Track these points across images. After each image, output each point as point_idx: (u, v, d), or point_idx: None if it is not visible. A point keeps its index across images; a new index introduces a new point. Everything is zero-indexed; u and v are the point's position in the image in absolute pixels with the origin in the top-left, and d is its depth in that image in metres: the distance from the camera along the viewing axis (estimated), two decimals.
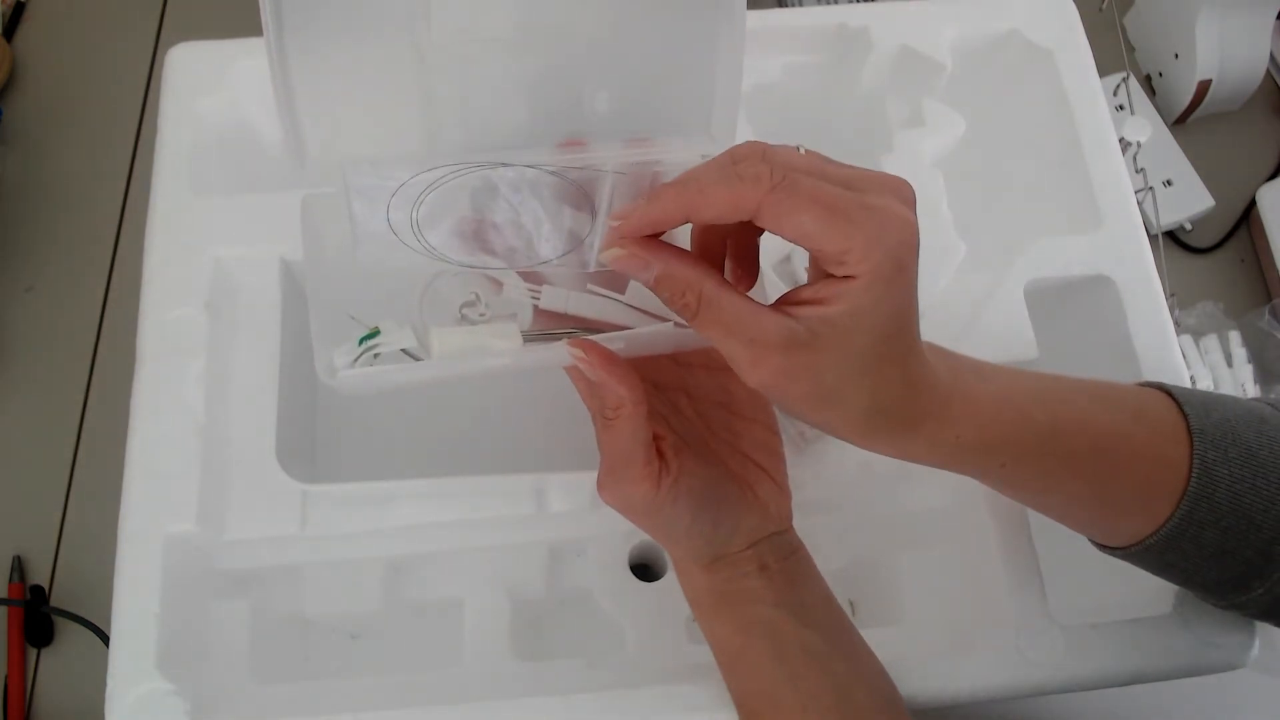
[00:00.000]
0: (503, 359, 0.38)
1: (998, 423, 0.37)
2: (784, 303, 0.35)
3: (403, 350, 0.38)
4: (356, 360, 0.37)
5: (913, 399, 0.36)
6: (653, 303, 0.40)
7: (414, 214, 0.37)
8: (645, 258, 0.35)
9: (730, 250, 0.38)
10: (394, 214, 0.37)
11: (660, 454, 0.40)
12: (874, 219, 0.32)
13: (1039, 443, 0.38)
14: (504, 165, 0.37)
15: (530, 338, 0.39)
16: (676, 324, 0.40)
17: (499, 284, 0.41)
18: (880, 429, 0.36)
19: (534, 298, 0.40)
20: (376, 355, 0.38)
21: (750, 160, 0.33)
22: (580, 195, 0.38)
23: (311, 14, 0.35)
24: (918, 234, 0.33)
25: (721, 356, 0.43)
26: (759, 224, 0.33)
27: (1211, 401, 0.40)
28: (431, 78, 0.38)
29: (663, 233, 0.36)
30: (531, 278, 0.41)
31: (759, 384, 0.34)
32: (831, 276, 0.33)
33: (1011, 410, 0.38)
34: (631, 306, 0.40)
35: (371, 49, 0.37)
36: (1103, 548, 0.43)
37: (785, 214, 0.32)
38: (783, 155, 0.34)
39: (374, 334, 0.38)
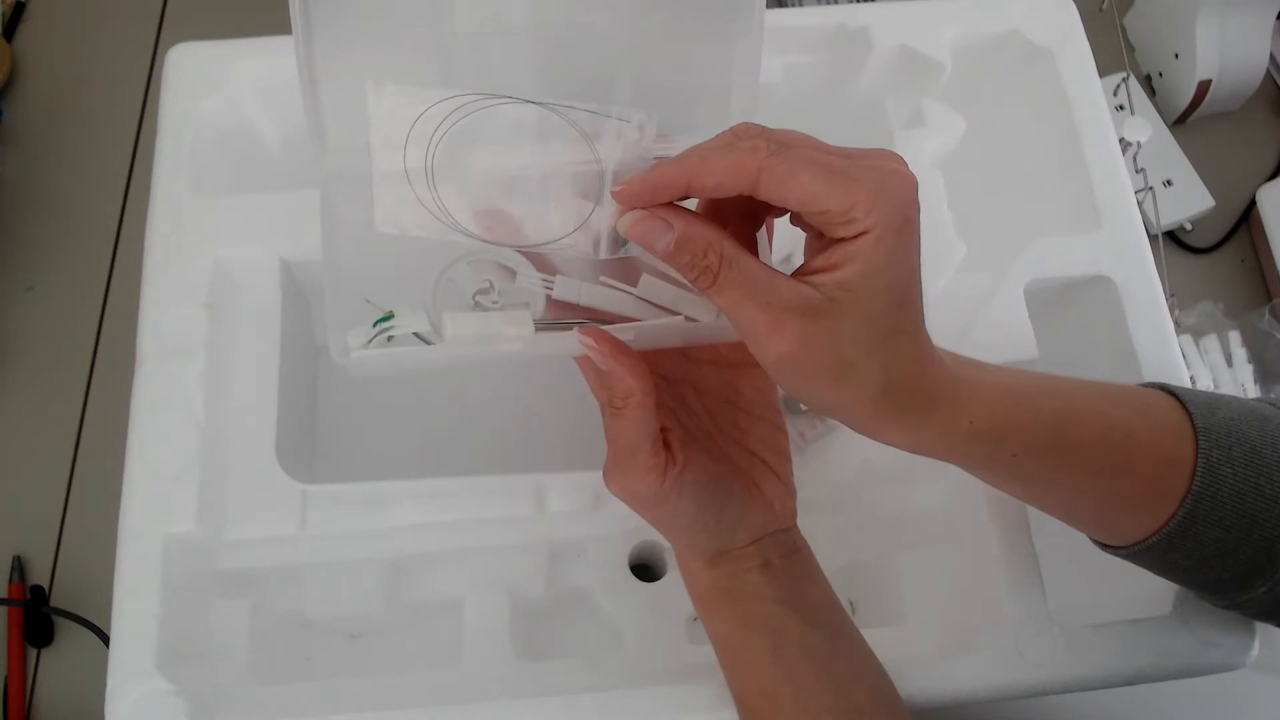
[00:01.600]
0: (514, 346, 0.38)
1: (1008, 408, 0.37)
2: (796, 275, 0.35)
3: (415, 334, 0.38)
4: (370, 342, 0.38)
5: (925, 378, 0.36)
6: (664, 297, 0.40)
7: (429, 161, 0.37)
8: (665, 219, 0.35)
9: None
10: (411, 163, 0.37)
11: (667, 446, 0.40)
12: (875, 175, 0.33)
13: (1048, 431, 0.38)
14: (524, 101, 0.37)
15: (542, 326, 0.39)
16: (687, 318, 0.40)
17: (512, 272, 0.41)
18: (895, 409, 0.35)
19: (547, 287, 0.41)
20: (390, 338, 0.38)
21: (749, 135, 0.34)
22: (590, 181, 0.38)
23: (338, 3, 0.35)
24: (918, 190, 0.34)
25: (730, 353, 0.44)
26: (760, 195, 0.33)
27: (1215, 401, 0.40)
28: (453, 69, 0.38)
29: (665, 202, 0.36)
30: (545, 267, 0.41)
31: (777, 355, 0.34)
32: (838, 243, 0.33)
33: (1019, 398, 0.38)
34: (643, 300, 0.40)
35: (395, 38, 0.37)
36: (1105, 547, 0.43)
37: (787, 175, 0.32)
38: (781, 132, 0.34)
39: (388, 317, 0.38)
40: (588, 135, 0.37)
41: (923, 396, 0.36)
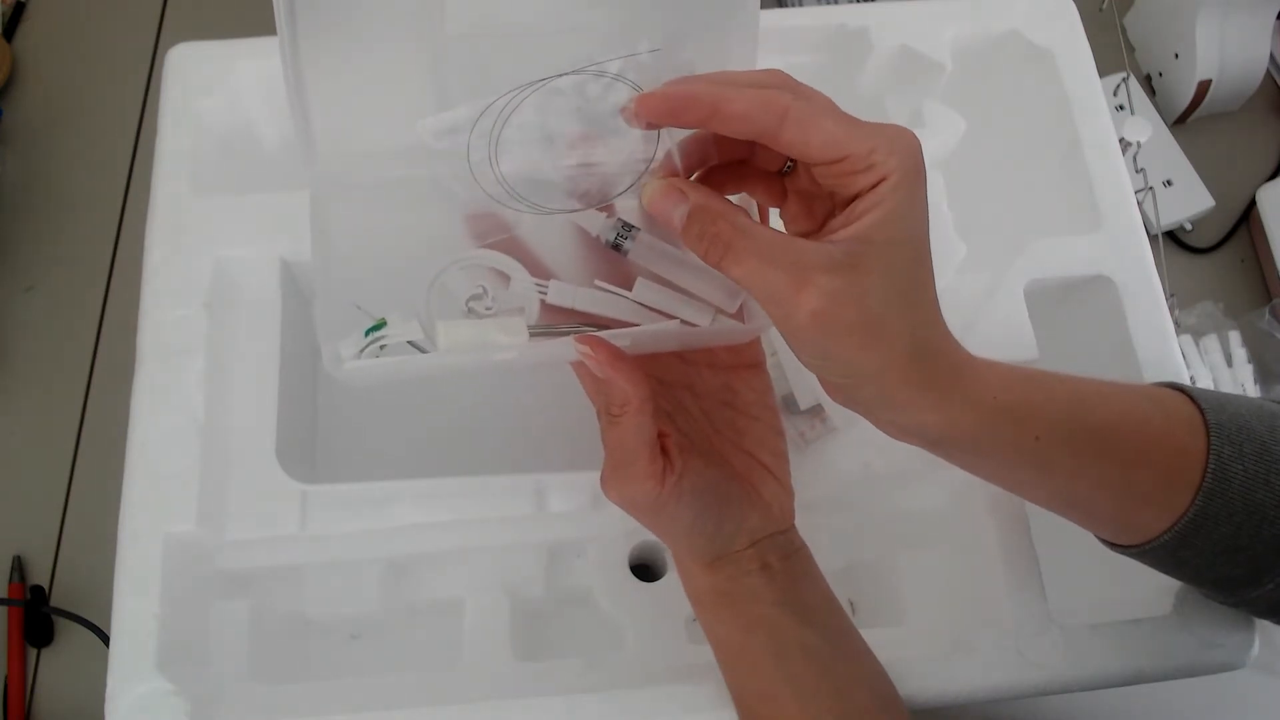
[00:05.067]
0: (508, 353, 0.38)
1: (1026, 387, 0.38)
2: (814, 240, 0.34)
3: (409, 342, 0.38)
4: (363, 351, 0.37)
5: (947, 345, 0.36)
6: (660, 300, 0.40)
7: (492, 154, 0.37)
8: (682, 190, 0.35)
9: None
10: (474, 156, 0.37)
11: (665, 451, 0.40)
12: (886, 129, 0.34)
13: (1067, 413, 0.38)
14: (560, 75, 0.36)
15: (536, 332, 0.39)
16: (683, 322, 0.40)
17: (506, 278, 0.41)
18: (924, 377, 0.35)
19: (541, 292, 0.40)
20: (383, 347, 0.38)
21: (776, 79, 0.35)
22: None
23: (324, 6, 0.35)
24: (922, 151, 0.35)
25: (727, 355, 0.44)
26: (783, 137, 0.33)
27: (1224, 398, 0.40)
28: (444, 71, 0.38)
29: (684, 127, 0.36)
30: (539, 272, 0.41)
31: (808, 314, 0.33)
32: (854, 201, 0.34)
33: (1033, 379, 0.38)
34: (639, 303, 0.40)
35: (383, 42, 0.37)
36: (1115, 547, 0.42)
37: (811, 119, 0.33)
38: (803, 85, 0.35)
39: (380, 325, 0.37)
40: (626, 78, 0.37)
41: (947, 365, 0.36)
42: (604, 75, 0.36)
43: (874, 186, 0.33)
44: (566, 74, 0.36)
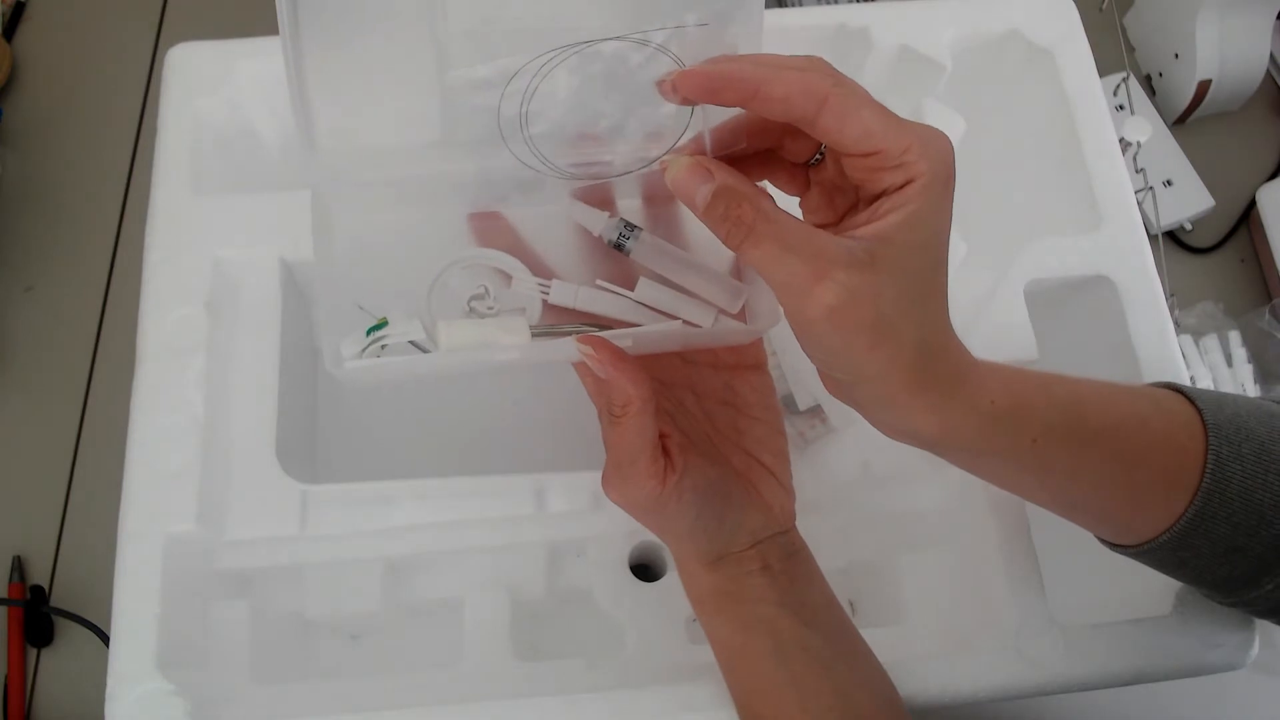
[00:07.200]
0: (510, 353, 0.38)
1: (1025, 390, 0.37)
2: (836, 234, 0.34)
3: (410, 342, 0.38)
4: (364, 351, 0.37)
5: (951, 350, 0.36)
6: (662, 301, 0.40)
7: (524, 117, 0.37)
8: (709, 169, 0.35)
9: None
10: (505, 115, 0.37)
11: (666, 452, 0.40)
12: (922, 129, 0.33)
13: (1067, 417, 0.38)
14: (601, 40, 0.36)
15: (538, 333, 0.39)
16: (685, 322, 0.40)
17: (508, 277, 0.41)
18: (926, 381, 0.35)
19: (543, 292, 0.40)
20: (384, 346, 0.37)
21: (817, 64, 0.34)
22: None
23: (326, 3, 0.35)
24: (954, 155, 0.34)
25: (728, 355, 0.44)
26: (820, 124, 0.33)
27: (1222, 397, 0.40)
28: (448, 68, 0.38)
29: (722, 105, 0.35)
30: (541, 271, 0.41)
31: (823, 309, 0.32)
32: (880, 199, 0.33)
33: (1034, 381, 0.38)
34: (641, 304, 0.40)
35: (386, 37, 0.37)
36: (1114, 547, 0.42)
37: (850, 109, 0.32)
38: (842, 74, 0.34)
39: (382, 325, 0.37)
40: (669, 51, 0.36)
41: (949, 369, 0.36)
42: (647, 45, 0.36)
43: (902, 187, 0.33)
44: (609, 39, 0.35)
